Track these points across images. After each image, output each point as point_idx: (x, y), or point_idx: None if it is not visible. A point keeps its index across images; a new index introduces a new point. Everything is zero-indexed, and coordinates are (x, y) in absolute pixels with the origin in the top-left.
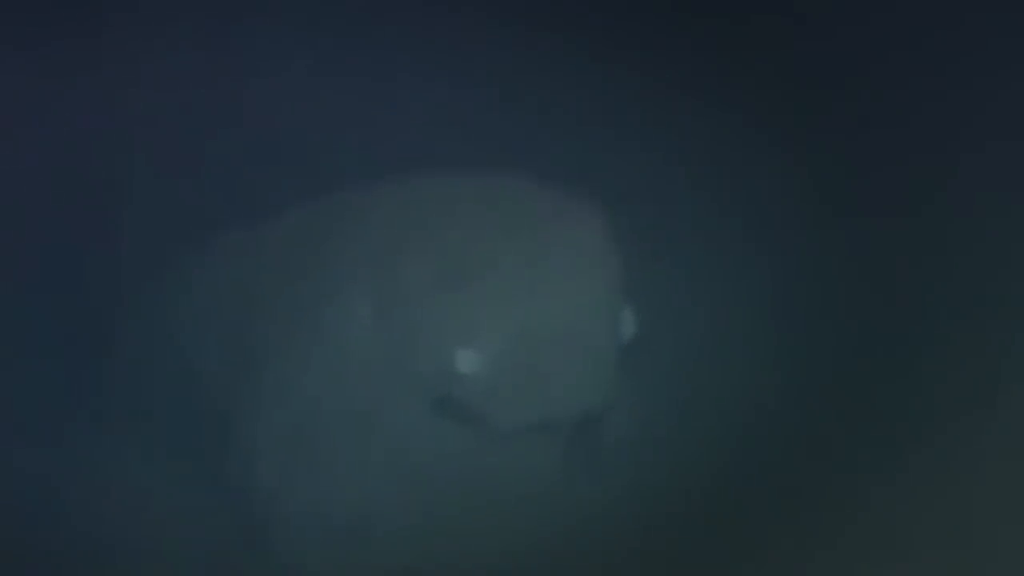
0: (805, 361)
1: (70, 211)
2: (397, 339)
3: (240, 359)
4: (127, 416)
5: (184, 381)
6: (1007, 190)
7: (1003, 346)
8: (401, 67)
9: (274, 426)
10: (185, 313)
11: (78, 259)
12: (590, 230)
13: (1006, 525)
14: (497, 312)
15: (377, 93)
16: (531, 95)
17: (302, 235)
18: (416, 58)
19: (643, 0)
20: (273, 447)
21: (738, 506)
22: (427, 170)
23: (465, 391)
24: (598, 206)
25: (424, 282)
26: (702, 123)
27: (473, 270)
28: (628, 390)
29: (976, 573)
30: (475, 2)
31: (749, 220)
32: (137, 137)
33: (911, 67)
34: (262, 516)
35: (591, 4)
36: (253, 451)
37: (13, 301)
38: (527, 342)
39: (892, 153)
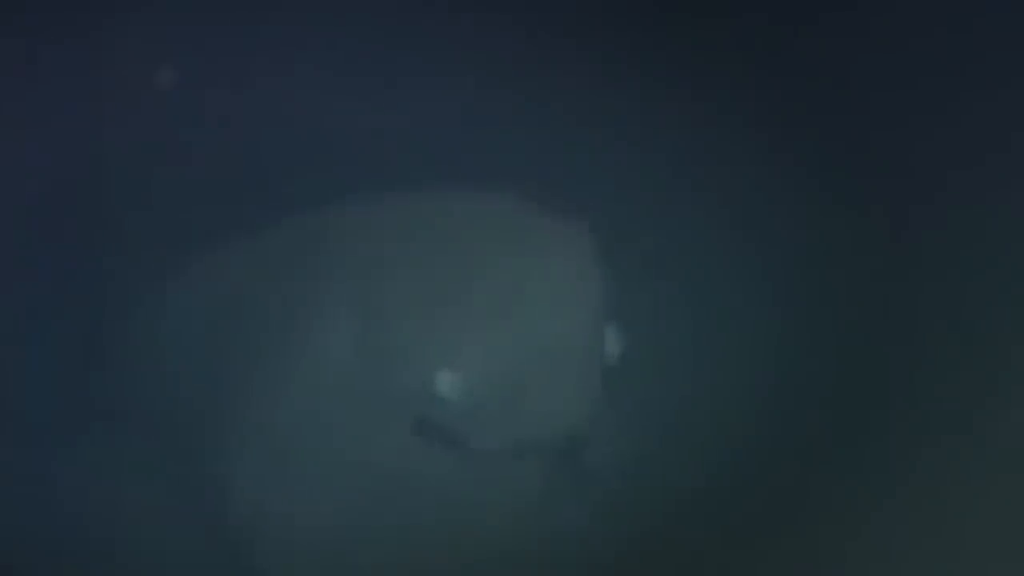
0: (798, 380)
1: (52, 220)
2: (377, 358)
3: (217, 376)
4: (103, 431)
5: (160, 398)
6: (1009, 190)
7: (1005, 347)
8: (384, 83)
9: (251, 445)
10: (162, 330)
11: (57, 269)
12: (575, 246)
13: (1008, 527)
14: (479, 331)
15: (358, 108)
16: (516, 109)
17: (281, 252)
18: (401, 73)
19: (630, 16)
20: (251, 467)
21: (728, 530)
22: (409, 186)
23: (446, 412)
24: (584, 222)
25: (405, 301)
26: (693, 140)
27: (455, 288)
28: (614, 411)
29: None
30: (459, 18)
31: (739, 237)
32: (117, 146)
33: (911, 67)
34: (241, 535)
35: (576, 19)
36: (230, 471)
37: None
38: (509, 362)
39: (891, 159)
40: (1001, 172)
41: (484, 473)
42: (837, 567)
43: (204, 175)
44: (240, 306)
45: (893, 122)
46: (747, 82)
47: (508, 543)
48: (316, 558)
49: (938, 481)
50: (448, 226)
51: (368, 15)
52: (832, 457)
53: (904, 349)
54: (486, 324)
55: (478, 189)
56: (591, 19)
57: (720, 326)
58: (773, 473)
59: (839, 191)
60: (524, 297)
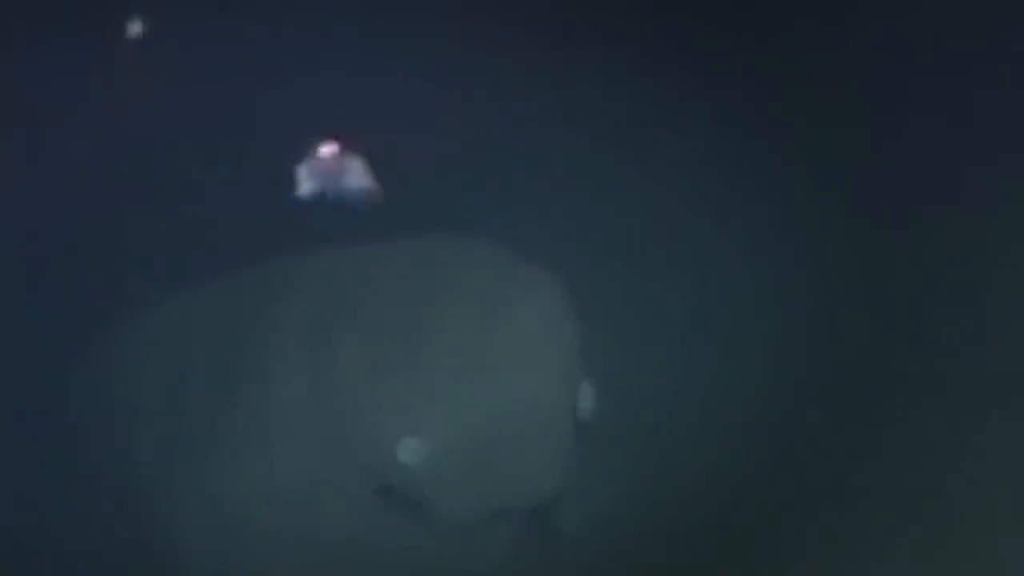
0: (777, 439)
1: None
2: (337, 423)
3: (167, 440)
4: (54, 498)
5: (109, 463)
6: (1008, 191)
7: (1003, 346)
8: (352, 122)
9: (211, 518)
10: (109, 390)
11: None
12: (545, 302)
13: (1006, 526)
14: (443, 391)
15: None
16: (488, 152)
17: (232, 305)
18: (369, 113)
19: (609, 56)
20: (210, 540)
21: None
22: (367, 234)
23: (410, 477)
24: (555, 275)
25: (364, 359)
26: (666, 188)
27: (419, 346)
28: (586, 474)
29: (976, 573)
30: (431, 55)
31: (712, 292)
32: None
33: (910, 71)
34: None
35: (550, 59)
36: (190, 544)
37: None
38: (476, 425)
39: (888, 168)
40: (1001, 174)
41: (451, 541)
42: None
43: (157, 227)
44: (190, 365)
45: (889, 126)
46: (728, 121)
47: None
48: None
49: (938, 486)
50: (413, 280)
51: (332, 66)
52: (818, 515)
53: (901, 366)
54: (451, 383)
55: (442, 236)
56: (564, 62)
57: (696, 385)
58: (753, 534)
59: (830, 225)
60: (491, 353)
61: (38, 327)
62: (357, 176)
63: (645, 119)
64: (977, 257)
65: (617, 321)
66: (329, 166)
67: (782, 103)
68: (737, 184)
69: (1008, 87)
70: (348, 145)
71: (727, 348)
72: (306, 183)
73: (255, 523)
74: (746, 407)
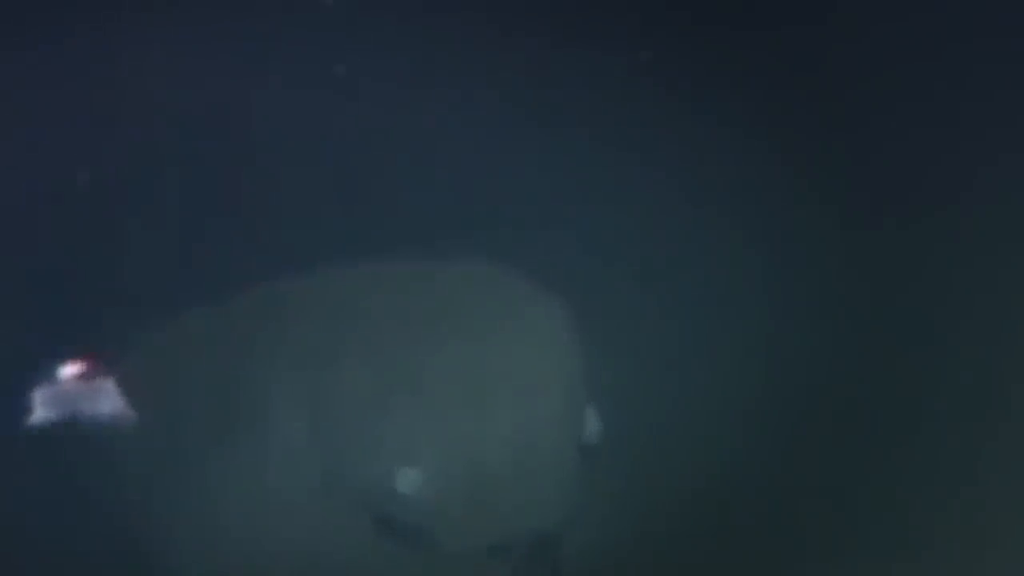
0: (790, 476)
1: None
2: (335, 452)
3: (169, 477)
4: (51, 536)
5: (103, 490)
6: (1007, 192)
7: (1003, 347)
8: (351, 141)
9: (206, 545)
10: (113, 423)
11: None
12: (550, 329)
13: (1005, 525)
14: (446, 420)
15: (319, 168)
16: (488, 171)
17: (230, 332)
18: (369, 133)
19: (610, 81)
20: (206, 569)
21: None
22: (363, 257)
23: (409, 508)
24: (560, 300)
25: (365, 389)
26: (675, 208)
27: (419, 373)
28: (590, 504)
29: (974, 573)
30: (430, 76)
31: (714, 314)
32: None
33: (909, 73)
34: None
35: (544, 83)
36: (186, 573)
37: None
38: (478, 454)
39: (887, 173)
40: (1001, 177)
41: (452, 572)
42: None
43: (149, 245)
44: (183, 390)
45: (891, 127)
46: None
47: None
48: None
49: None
50: (410, 301)
51: (334, 84)
52: (834, 544)
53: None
54: (451, 411)
55: (448, 262)
56: (566, 85)
57: (708, 411)
58: (767, 569)
59: (845, 245)
60: (492, 380)
61: (33, 344)
62: (107, 399)
63: (649, 135)
64: (977, 258)
65: (624, 347)
66: (73, 390)
67: (785, 108)
68: (747, 203)
69: (1008, 87)
70: (95, 366)
71: (741, 375)
72: (43, 411)
73: (252, 553)
74: (761, 436)
